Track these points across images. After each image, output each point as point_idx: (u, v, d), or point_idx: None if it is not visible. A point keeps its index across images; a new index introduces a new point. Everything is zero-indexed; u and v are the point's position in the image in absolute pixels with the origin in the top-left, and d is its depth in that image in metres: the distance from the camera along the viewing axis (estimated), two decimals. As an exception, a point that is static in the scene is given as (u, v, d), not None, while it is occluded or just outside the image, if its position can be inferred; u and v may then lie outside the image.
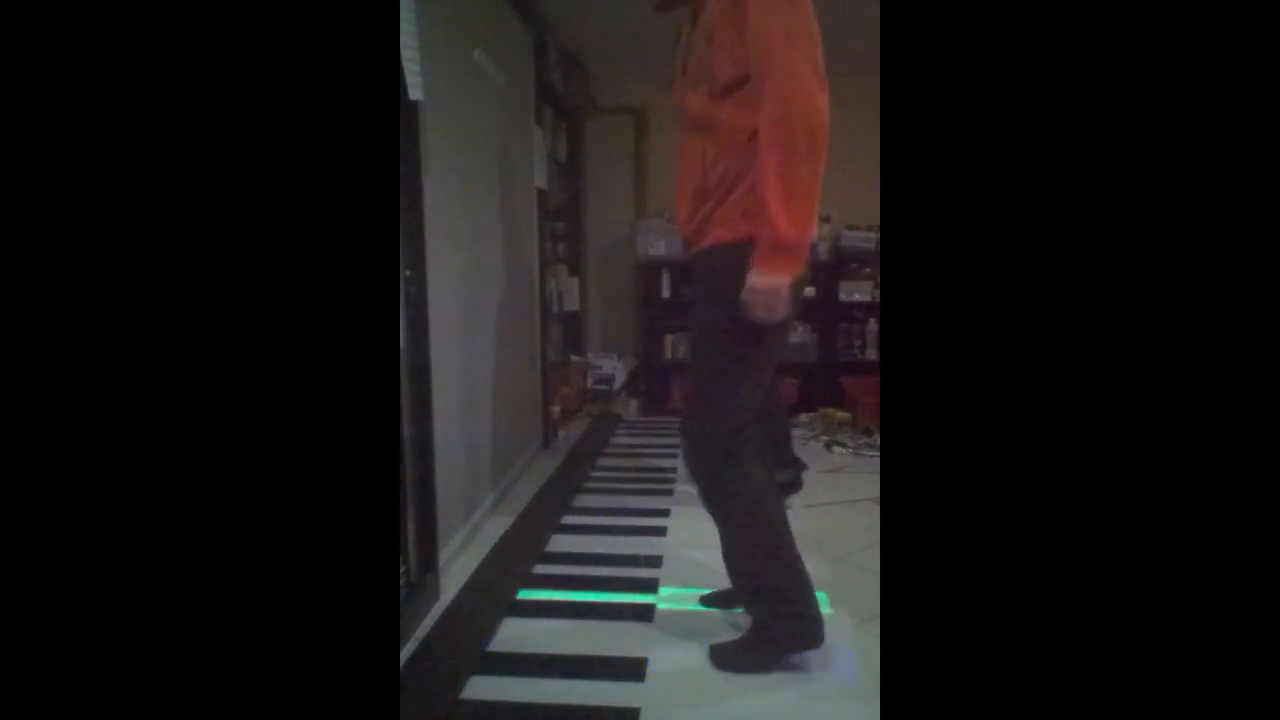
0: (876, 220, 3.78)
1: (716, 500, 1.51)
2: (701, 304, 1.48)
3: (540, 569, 2.06)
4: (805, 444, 3.48)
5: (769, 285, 1.30)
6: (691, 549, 2.16)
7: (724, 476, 1.47)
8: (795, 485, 2.50)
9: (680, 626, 1.72)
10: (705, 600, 1.83)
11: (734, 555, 1.53)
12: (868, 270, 4.01)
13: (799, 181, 1.26)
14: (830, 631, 1.67)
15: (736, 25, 1.28)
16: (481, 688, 1.48)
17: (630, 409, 4.19)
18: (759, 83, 1.27)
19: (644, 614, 1.78)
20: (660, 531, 2.32)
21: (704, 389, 1.47)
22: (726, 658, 1.55)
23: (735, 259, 1.34)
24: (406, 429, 1.80)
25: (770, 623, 1.52)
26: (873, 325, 4.07)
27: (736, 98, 1.32)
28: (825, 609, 1.77)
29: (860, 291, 4.01)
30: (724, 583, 1.81)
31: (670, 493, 2.73)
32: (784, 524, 1.51)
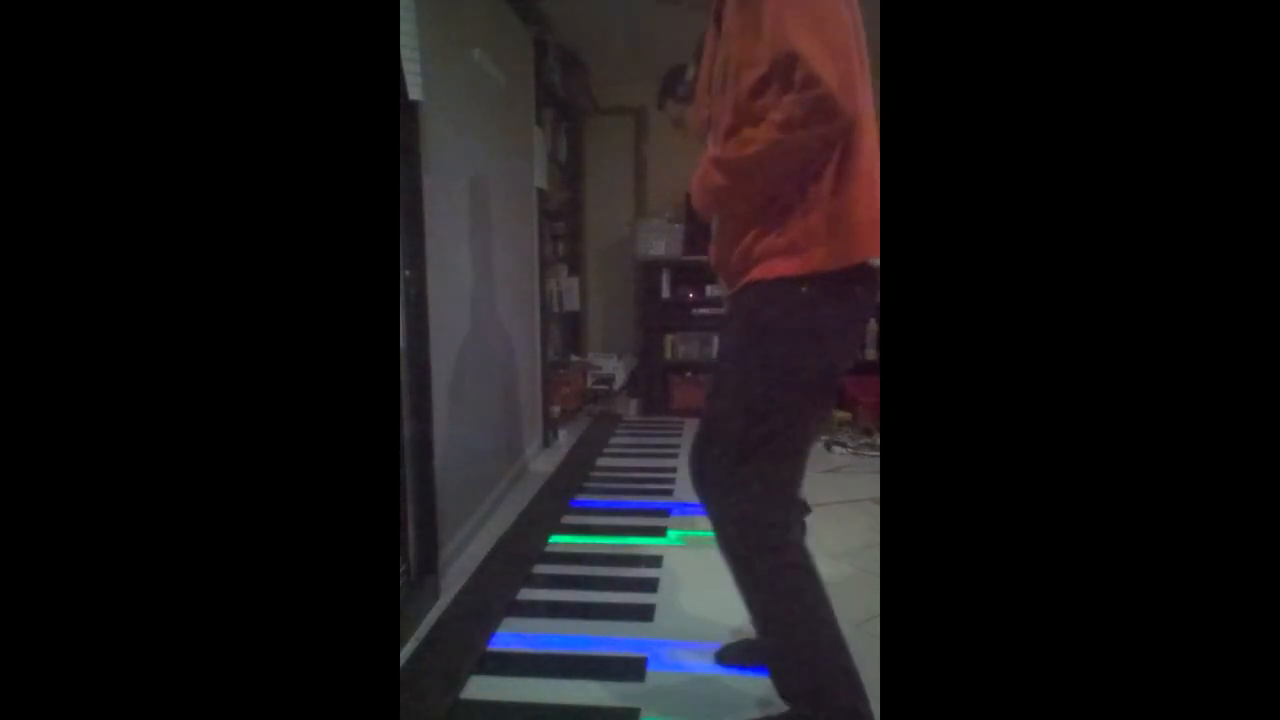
0: (876, 220, 3.77)
1: (758, 598, 1.25)
2: (736, 355, 1.21)
3: (540, 569, 2.06)
4: (805, 444, 3.47)
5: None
6: (691, 549, 2.16)
7: (766, 571, 1.22)
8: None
9: (680, 627, 1.72)
10: (721, 657, 1.60)
11: (778, 653, 1.26)
12: (867, 270, 4.00)
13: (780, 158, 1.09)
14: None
15: (755, 22, 1.10)
16: (481, 688, 1.48)
17: (630, 409, 4.19)
18: (783, 77, 1.07)
19: (644, 614, 1.78)
20: (660, 532, 2.33)
21: (744, 466, 1.19)
22: None
23: (786, 298, 1.14)
24: (406, 429, 1.80)
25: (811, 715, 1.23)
26: (873, 325, 4.06)
27: (764, 101, 1.11)
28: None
29: (860, 291, 4.00)
30: (730, 635, 1.67)
31: (670, 493, 2.73)
32: (830, 615, 1.22)
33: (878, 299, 1.18)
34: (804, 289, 1.13)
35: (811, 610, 1.21)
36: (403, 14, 1.64)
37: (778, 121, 1.06)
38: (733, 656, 1.58)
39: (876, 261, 1.15)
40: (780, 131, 1.06)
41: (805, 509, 1.53)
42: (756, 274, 1.16)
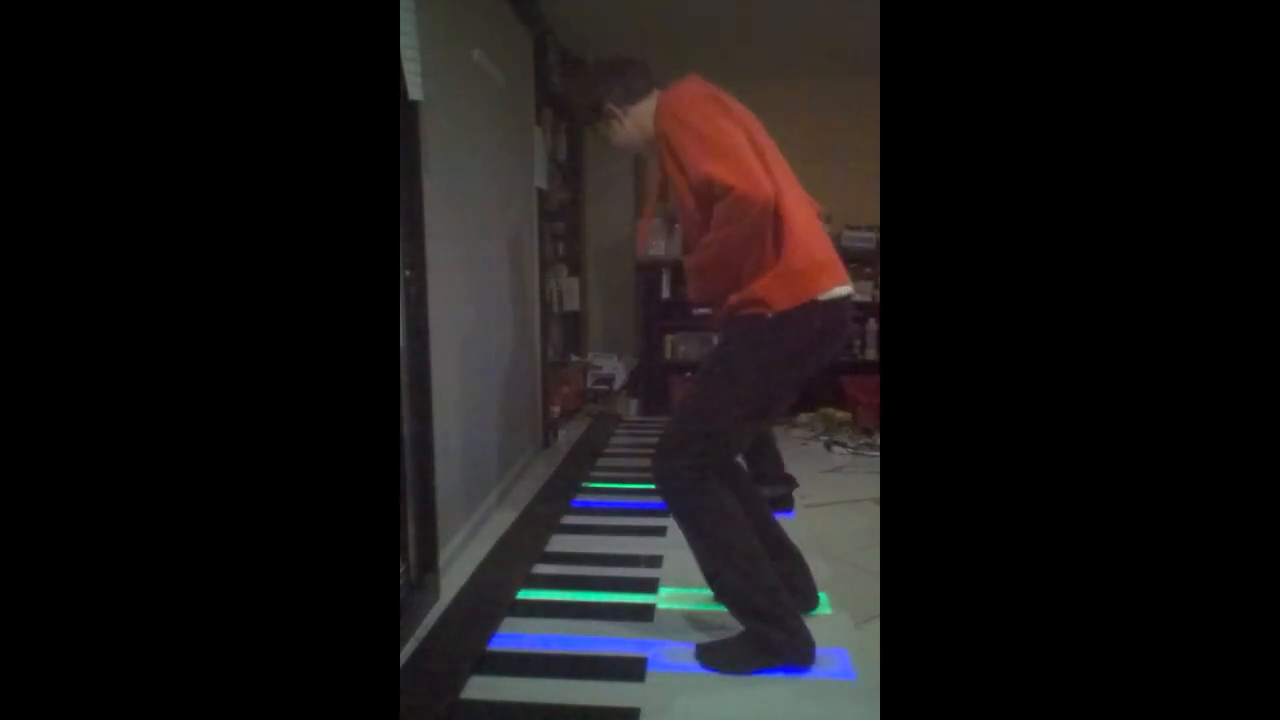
0: (876, 220, 3.78)
1: (684, 528, 1.57)
2: (719, 350, 1.62)
3: (540, 569, 2.06)
4: (805, 444, 3.47)
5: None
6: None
7: (685, 506, 1.54)
8: (784, 501, 2.49)
9: (680, 626, 1.72)
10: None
11: (712, 578, 1.58)
12: (868, 270, 4.01)
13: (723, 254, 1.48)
14: (830, 631, 1.68)
15: (677, 158, 1.48)
16: (481, 688, 1.48)
17: (630, 409, 4.18)
18: (708, 193, 1.44)
19: (644, 614, 1.78)
20: (660, 531, 2.32)
21: (684, 423, 1.56)
22: (714, 655, 1.56)
23: (754, 331, 1.51)
24: (406, 429, 1.80)
25: (766, 634, 1.53)
26: (873, 325, 4.07)
27: (707, 212, 1.48)
28: (825, 609, 1.78)
29: (860, 291, 4.00)
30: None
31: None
32: (757, 551, 1.55)
33: (835, 320, 1.54)
34: (765, 319, 1.50)
35: (726, 542, 1.52)
36: (403, 14, 1.64)
37: (716, 224, 1.44)
38: None
39: (824, 295, 1.50)
40: (720, 231, 1.44)
41: (793, 482, 2.02)
42: (742, 312, 1.54)
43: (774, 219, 1.46)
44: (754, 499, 1.70)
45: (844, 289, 1.54)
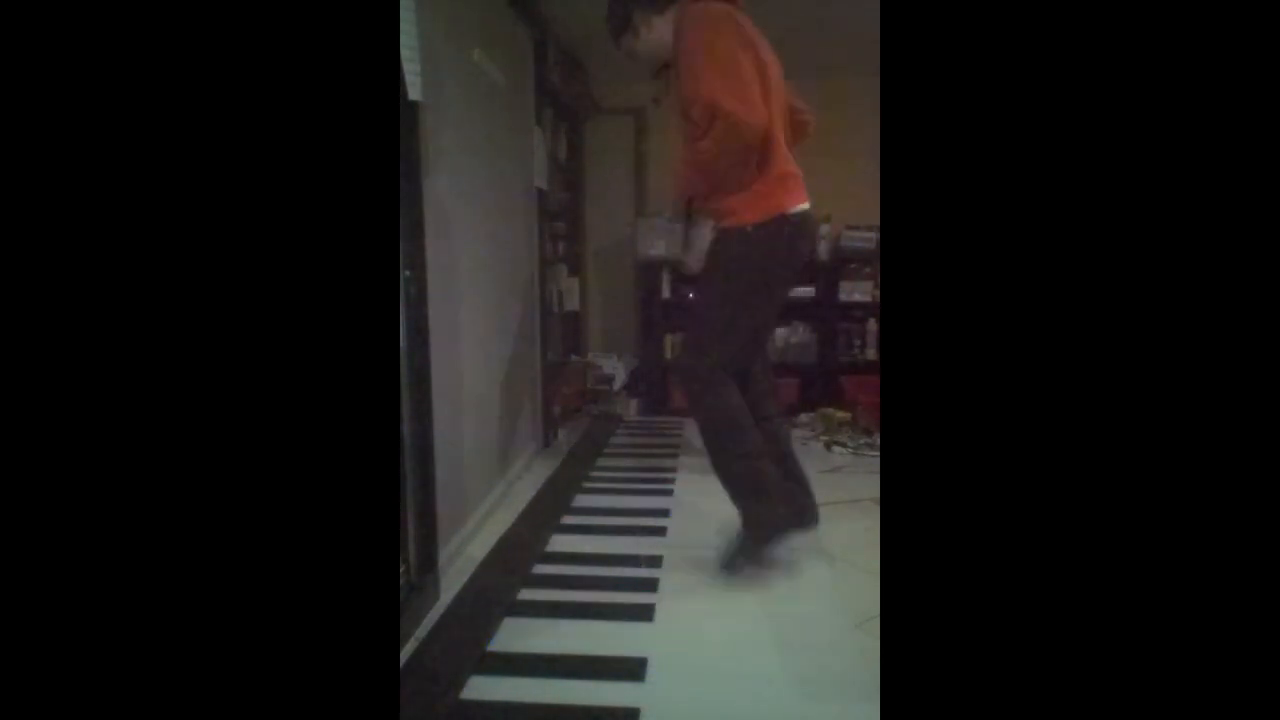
0: (876, 220, 3.78)
1: (696, 417, 1.89)
2: (708, 272, 1.90)
3: (540, 569, 2.06)
4: (805, 444, 3.47)
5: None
6: (691, 550, 2.16)
7: (701, 403, 1.85)
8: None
9: (680, 627, 1.72)
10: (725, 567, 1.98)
11: (720, 466, 1.89)
12: (868, 270, 4.01)
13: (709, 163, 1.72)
14: (830, 631, 1.68)
15: (690, 75, 1.67)
16: (481, 688, 1.48)
17: (630, 409, 4.18)
18: (710, 113, 1.64)
19: (644, 614, 1.78)
20: (660, 531, 2.32)
21: (693, 334, 1.90)
22: (729, 562, 1.87)
23: (733, 237, 1.77)
24: (406, 429, 1.80)
25: (756, 510, 1.87)
26: (873, 325, 4.07)
27: (705, 125, 1.69)
28: (825, 609, 1.78)
29: (860, 291, 4.00)
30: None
31: (670, 493, 2.73)
32: (748, 440, 1.86)
33: (800, 231, 1.83)
34: (747, 231, 1.77)
35: (727, 429, 1.84)
36: (403, 14, 1.63)
37: (713, 137, 1.65)
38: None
39: (791, 210, 1.77)
40: (715, 145, 1.66)
41: (781, 419, 2.14)
42: (717, 228, 1.84)
43: (762, 142, 1.68)
44: (777, 428, 2.06)
45: (805, 205, 1.83)
